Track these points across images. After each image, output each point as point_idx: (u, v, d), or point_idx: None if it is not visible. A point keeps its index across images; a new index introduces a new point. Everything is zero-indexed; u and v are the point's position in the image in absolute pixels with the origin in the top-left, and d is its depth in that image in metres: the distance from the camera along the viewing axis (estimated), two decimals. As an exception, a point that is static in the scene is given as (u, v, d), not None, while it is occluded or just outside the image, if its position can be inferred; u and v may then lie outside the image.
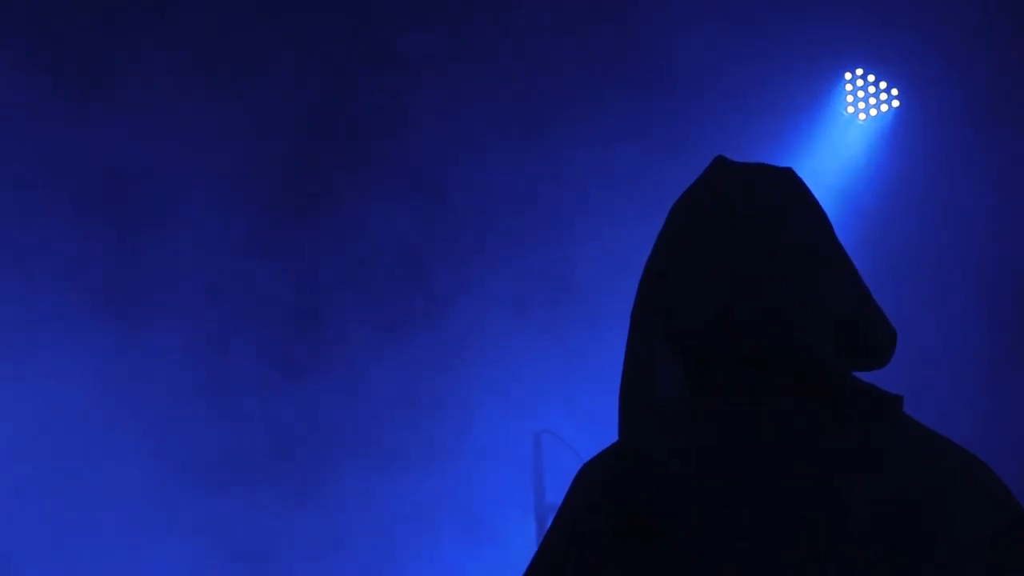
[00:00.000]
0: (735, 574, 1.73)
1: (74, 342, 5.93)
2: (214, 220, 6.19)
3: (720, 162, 2.00)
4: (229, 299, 6.23)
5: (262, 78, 6.30)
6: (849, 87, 6.83)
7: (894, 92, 6.79)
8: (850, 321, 1.89)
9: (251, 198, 6.29)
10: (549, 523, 1.90)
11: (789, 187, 1.96)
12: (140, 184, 6.14)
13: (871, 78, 6.80)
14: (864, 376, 1.90)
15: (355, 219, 6.43)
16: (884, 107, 6.80)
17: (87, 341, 5.94)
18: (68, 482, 5.90)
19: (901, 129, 6.79)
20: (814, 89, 6.81)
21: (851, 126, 6.84)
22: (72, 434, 5.89)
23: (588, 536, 1.80)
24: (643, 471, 1.81)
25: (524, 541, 5.96)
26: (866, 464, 1.81)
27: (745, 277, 1.87)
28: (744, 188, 1.94)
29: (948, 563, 1.77)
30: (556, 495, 5.59)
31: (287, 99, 6.37)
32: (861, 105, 6.81)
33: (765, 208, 1.92)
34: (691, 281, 1.90)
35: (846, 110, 6.83)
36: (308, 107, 6.43)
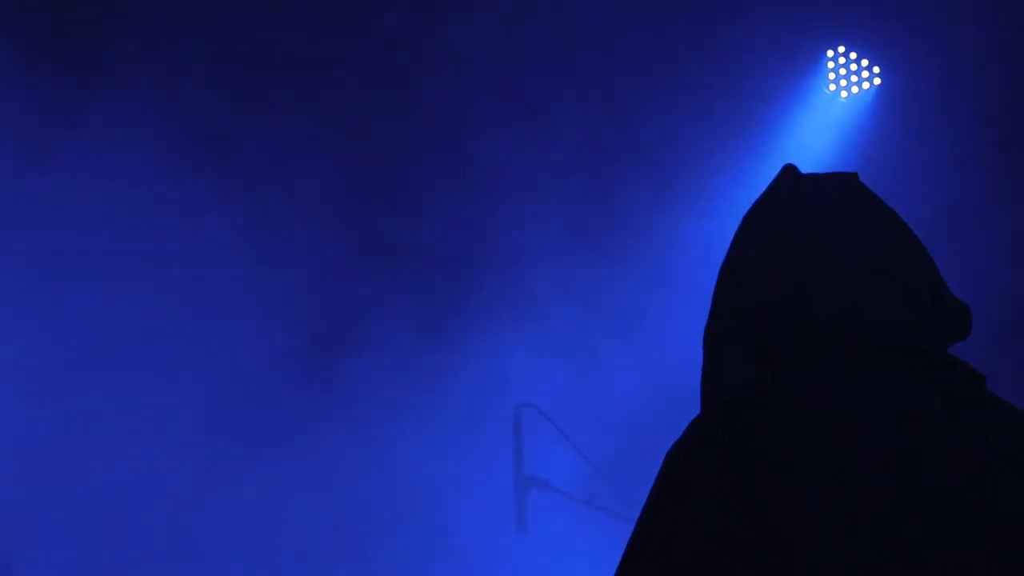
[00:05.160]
0: (829, 544, 1.80)
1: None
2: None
3: (792, 169, 2.13)
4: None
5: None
6: (831, 65, 6.84)
7: (876, 70, 6.81)
8: (935, 299, 2.01)
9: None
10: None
11: (863, 190, 2.11)
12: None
13: (853, 56, 6.82)
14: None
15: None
16: (866, 85, 6.82)
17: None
18: None
19: (883, 107, 6.81)
20: (796, 67, 6.82)
21: (833, 104, 6.86)
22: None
23: (687, 513, 1.88)
24: (728, 442, 1.88)
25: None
26: (961, 437, 1.89)
27: (842, 267, 2.00)
28: (827, 192, 2.09)
29: None
30: (535, 468, 5.62)
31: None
32: (843, 83, 6.84)
33: (853, 210, 2.06)
34: (786, 277, 2.01)
35: (828, 88, 6.85)
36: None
